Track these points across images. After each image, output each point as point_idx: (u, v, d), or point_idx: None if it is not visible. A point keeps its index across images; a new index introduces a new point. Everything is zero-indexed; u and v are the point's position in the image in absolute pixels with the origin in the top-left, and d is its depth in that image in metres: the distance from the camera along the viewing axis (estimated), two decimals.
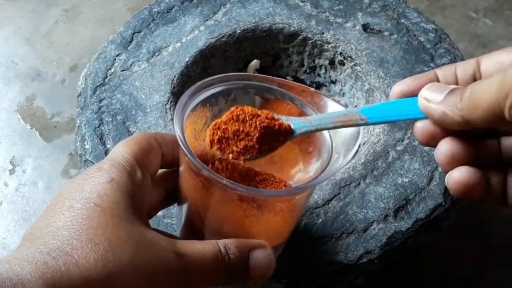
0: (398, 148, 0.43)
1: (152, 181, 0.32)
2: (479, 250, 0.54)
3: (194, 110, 0.32)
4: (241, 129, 0.30)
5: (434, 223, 0.40)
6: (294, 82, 0.35)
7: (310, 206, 0.40)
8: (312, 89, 0.34)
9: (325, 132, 0.33)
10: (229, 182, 0.28)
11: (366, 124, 0.30)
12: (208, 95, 0.33)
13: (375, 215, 0.39)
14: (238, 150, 0.30)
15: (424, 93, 0.28)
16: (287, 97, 0.34)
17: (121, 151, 0.31)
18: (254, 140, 0.30)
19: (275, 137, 0.31)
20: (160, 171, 0.34)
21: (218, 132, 0.30)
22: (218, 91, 0.33)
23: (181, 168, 0.32)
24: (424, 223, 0.39)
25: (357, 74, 0.51)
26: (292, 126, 0.31)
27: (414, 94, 0.29)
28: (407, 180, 0.41)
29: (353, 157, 0.31)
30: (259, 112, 0.31)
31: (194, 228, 0.33)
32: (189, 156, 0.28)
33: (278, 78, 0.35)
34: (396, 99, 0.30)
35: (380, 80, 0.48)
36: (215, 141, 0.30)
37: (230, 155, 0.30)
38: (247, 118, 0.30)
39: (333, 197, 0.40)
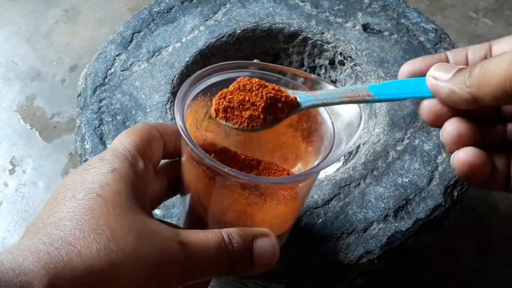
0: (398, 148, 0.43)
1: (155, 172, 0.32)
2: (479, 250, 0.54)
3: (195, 99, 0.32)
4: (246, 98, 0.30)
5: (434, 223, 0.40)
6: (294, 69, 0.35)
7: (310, 206, 0.40)
8: (313, 75, 0.34)
9: (327, 119, 0.33)
10: (231, 170, 0.27)
11: (373, 101, 0.30)
12: (209, 84, 0.33)
13: (375, 215, 0.39)
14: (243, 119, 0.30)
15: (432, 71, 0.27)
16: (291, 86, 0.34)
17: (122, 141, 0.30)
18: (260, 109, 0.30)
19: (280, 109, 0.31)
20: (163, 161, 0.34)
21: (224, 102, 0.30)
22: (219, 80, 0.33)
23: (183, 158, 0.32)
24: (424, 223, 0.39)
25: (357, 74, 0.51)
26: (298, 99, 0.31)
27: (422, 74, 0.29)
28: (407, 180, 0.41)
29: (354, 144, 0.31)
30: (266, 84, 0.31)
31: (197, 218, 0.33)
32: (190, 145, 0.28)
33: (280, 66, 0.35)
34: (405, 78, 0.30)
35: (380, 80, 0.48)
36: (220, 110, 0.30)
37: (235, 125, 0.30)
38: (254, 88, 0.30)
39: (333, 197, 0.40)
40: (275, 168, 0.34)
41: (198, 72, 0.32)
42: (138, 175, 0.29)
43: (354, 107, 0.32)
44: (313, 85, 0.34)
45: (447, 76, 0.27)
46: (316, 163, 0.34)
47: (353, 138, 0.31)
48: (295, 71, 0.34)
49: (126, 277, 0.25)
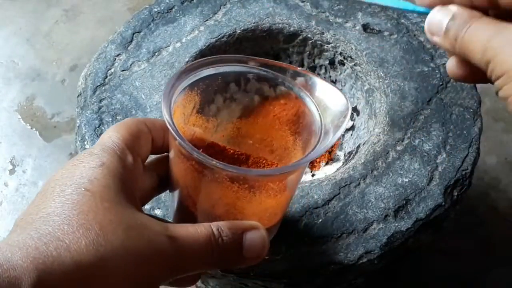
0: (398, 148, 0.43)
1: (144, 167, 0.32)
2: (479, 250, 0.54)
3: (182, 93, 0.32)
4: None
5: (434, 223, 0.40)
6: (279, 62, 0.35)
7: (310, 206, 0.40)
8: (299, 68, 0.34)
9: (315, 111, 0.33)
10: (219, 163, 0.27)
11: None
12: (196, 78, 0.33)
13: (375, 215, 0.39)
14: None
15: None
16: (285, 83, 0.34)
17: (111, 136, 0.30)
18: None
19: None
20: (153, 157, 0.34)
21: None
22: (206, 75, 0.33)
23: (171, 153, 0.32)
24: (424, 223, 0.39)
25: (357, 74, 0.51)
26: None
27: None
28: (407, 180, 0.41)
29: (342, 134, 0.31)
30: None
31: (186, 213, 0.33)
32: (178, 139, 0.28)
33: (262, 59, 0.34)
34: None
35: (380, 80, 0.48)
36: None
37: None
38: None
39: (333, 197, 0.40)
40: (264, 162, 0.34)
41: (184, 67, 0.32)
42: (127, 170, 0.29)
43: (341, 99, 0.32)
44: (306, 82, 0.34)
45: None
46: (305, 149, 0.34)
47: (340, 129, 0.31)
48: (279, 63, 0.34)
49: (115, 272, 0.25)
